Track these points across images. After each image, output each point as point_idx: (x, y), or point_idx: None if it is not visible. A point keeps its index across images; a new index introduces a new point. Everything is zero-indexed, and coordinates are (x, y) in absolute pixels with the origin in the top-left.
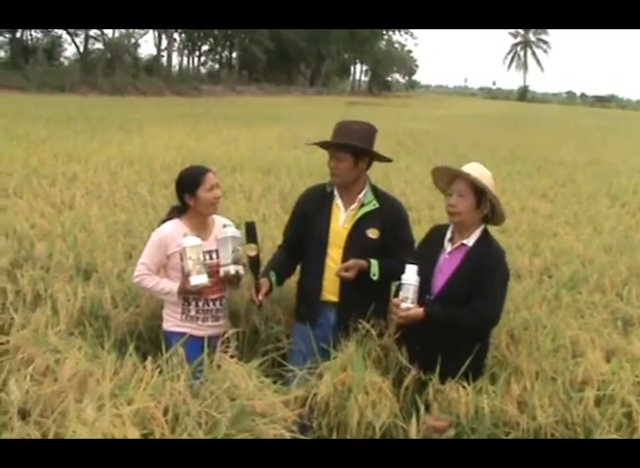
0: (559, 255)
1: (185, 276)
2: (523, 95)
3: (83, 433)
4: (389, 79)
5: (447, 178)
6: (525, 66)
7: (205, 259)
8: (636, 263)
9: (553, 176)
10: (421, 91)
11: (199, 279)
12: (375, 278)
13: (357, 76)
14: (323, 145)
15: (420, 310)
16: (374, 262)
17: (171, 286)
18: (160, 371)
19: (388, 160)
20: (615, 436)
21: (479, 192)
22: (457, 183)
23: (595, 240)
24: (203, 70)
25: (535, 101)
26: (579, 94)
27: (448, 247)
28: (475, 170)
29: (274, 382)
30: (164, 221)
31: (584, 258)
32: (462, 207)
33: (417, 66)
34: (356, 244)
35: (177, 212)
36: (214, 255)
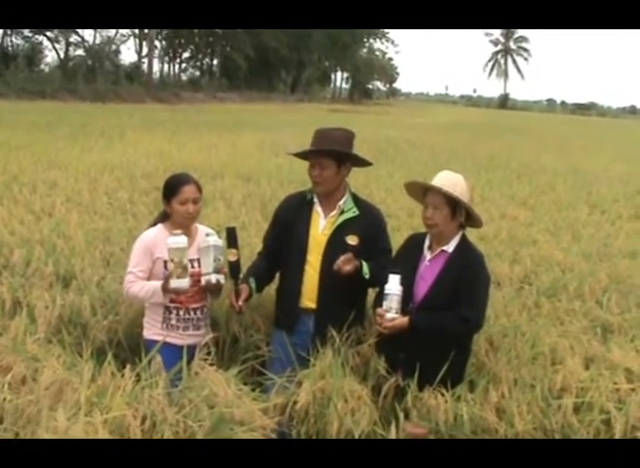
0: (539, 263)
1: (166, 278)
2: (504, 102)
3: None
4: (370, 87)
5: (420, 191)
6: (505, 74)
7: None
8: (616, 271)
9: (533, 184)
10: (402, 98)
11: (179, 282)
12: (366, 277)
13: (338, 84)
14: (305, 155)
15: (406, 319)
16: (364, 263)
17: (155, 285)
18: (138, 379)
19: (369, 164)
20: None
21: (454, 203)
22: (430, 196)
23: (575, 247)
24: (184, 77)
25: (515, 109)
26: (559, 101)
27: (428, 254)
28: (447, 180)
29: (253, 390)
30: (152, 226)
31: (564, 266)
32: (438, 219)
33: (397, 74)
34: (336, 250)
35: (162, 217)
36: (195, 264)
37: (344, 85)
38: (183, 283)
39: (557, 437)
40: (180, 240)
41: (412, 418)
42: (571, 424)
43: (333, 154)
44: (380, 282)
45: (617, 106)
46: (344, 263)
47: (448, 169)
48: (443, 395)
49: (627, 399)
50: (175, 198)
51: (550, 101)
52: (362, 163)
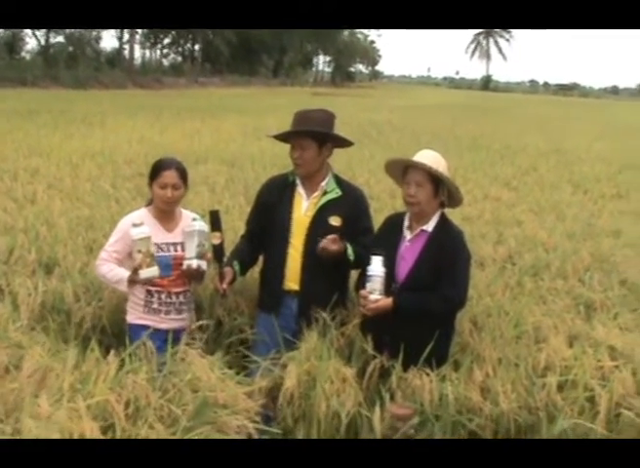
0: (522, 243)
1: (134, 269)
2: (486, 84)
3: (39, 429)
4: (352, 70)
5: (401, 169)
6: (488, 56)
7: (170, 251)
8: (599, 250)
9: (516, 165)
10: (385, 81)
11: (149, 272)
12: (351, 258)
13: (320, 67)
14: (285, 136)
15: (389, 300)
16: (348, 244)
17: (122, 274)
18: (122, 365)
19: (350, 144)
20: (577, 420)
21: (436, 180)
22: (413, 174)
23: (558, 227)
24: (165, 63)
25: (498, 91)
26: (541, 82)
27: (407, 234)
28: (429, 158)
29: (238, 373)
30: None
31: (547, 246)
32: (422, 196)
33: (380, 57)
34: (319, 231)
35: (150, 200)
36: (179, 248)
37: (327, 68)
38: (154, 271)
39: (541, 415)
40: (144, 229)
41: (397, 399)
42: (555, 402)
43: (313, 135)
44: (364, 263)
45: (599, 87)
46: (330, 243)
47: (430, 150)
48: (428, 375)
49: (611, 376)
50: (155, 181)
51: (533, 83)
52: (343, 143)
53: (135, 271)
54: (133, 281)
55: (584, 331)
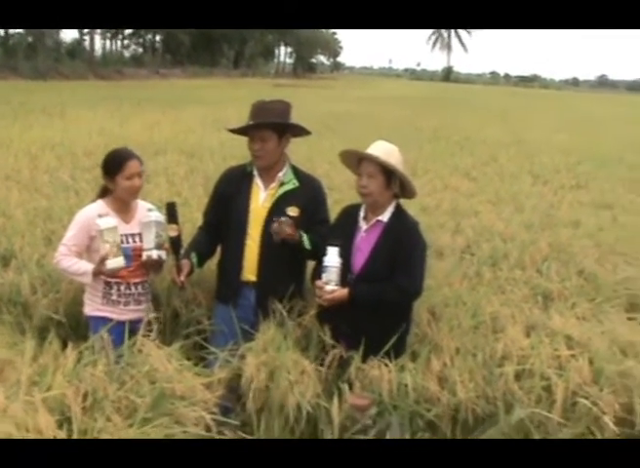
0: (481, 233)
1: (101, 259)
2: (447, 75)
3: None
4: (314, 61)
5: (355, 160)
6: (449, 47)
7: (128, 243)
8: (557, 240)
9: (476, 156)
10: (346, 72)
11: (116, 262)
12: (307, 247)
13: (282, 58)
14: (246, 129)
15: (345, 291)
16: (304, 234)
17: (86, 267)
18: (81, 357)
19: (308, 133)
20: (534, 409)
21: (388, 172)
22: (365, 165)
23: (516, 218)
24: (126, 54)
25: (459, 82)
26: (502, 74)
27: (363, 225)
28: (382, 150)
29: (196, 365)
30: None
31: (506, 236)
32: (373, 187)
33: (341, 48)
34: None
35: (102, 192)
36: (137, 239)
37: (288, 60)
38: (120, 261)
39: (499, 404)
40: (110, 220)
41: (355, 390)
42: (512, 391)
43: (273, 126)
44: (317, 254)
45: (559, 79)
46: (283, 226)
47: (391, 141)
48: (386, 365)
49: (568, 365)
50: (120, 174)
51: (494, 74)
52: (301, 133)
53: (102, 261)
54: (99, 272)
55: (542, 320)
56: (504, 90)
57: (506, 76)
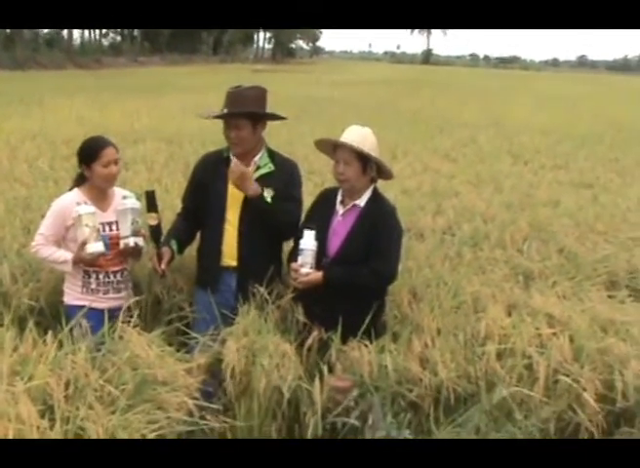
0: (461, 214)
1: (82, 244)
2: (427, 58)
3: None
4: (293, 46)
5: (331, 147)
6: (428, 30)
7: (105, 231)
8: (537, 219)
9: (455, 137)
10: (326, 57)
11: (95, 246)
12: (268, 201)
13: (261, 44)
14: (220, 118)
15: (320, 274)
16: (265, 189)
17: (66, 255)
18: (61, 346)
19: (283, 118)
20: (516, 388)
21: (364, 157)
22: (340, 152)
23: (497, 198)
24: (105, 42)
25: (439, 64)
26: (482, 56)
27: (340, 209)
28: (356, 135)
29: (178, 351)
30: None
31: (486, 216)
32: (350, 174)
33: (320, 33)
34: (253, 206)
35: (77, 181)
36: (114, 227)
37: (267, 45)
38: (99, 246)
39: (481, 384)
40: (88, 206)
41: (336, 371)
42: (494, 370)
43: (248, 115)
44: (276, 220)
45: (539, 60)
46: (237, 170)
47: (370, 125)
48: (366, 346)
49: (549, 343)
50: (97, 161)
51: (473, 56)
52: (277, 118)
53: (82, 246)
54: (79, 258)
55: (523, 299)
56: (484, 72)
57: (486, 58)
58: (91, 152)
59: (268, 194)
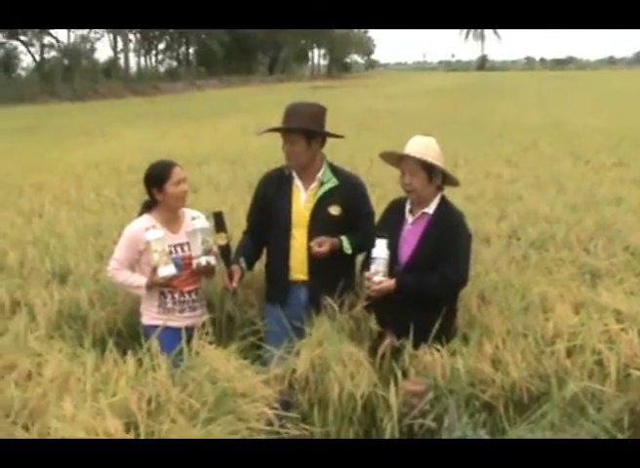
0: (525, 218)
1: (153, 269)
2: (482, 65)
3: (64, 430)
4: (348, 61)
5: (396, 158)
6: (482, 36)
7: (177, 252)
8: (602, 218)
9: (516, 142)
10: (381, 70)
11: (167, 270)
12: (348, 252)
13: (316, 60)
14: (274, 131)
15: (392, 282)
16: (344, 238)
17: (140, 280)
18: (140, 364)
19: (340, 136)
20: (588, 384)
21: (429, 167)
22: (406, 163)
23: (560, 200)
24: (161, 68)
25: (495, 70)
26: (537, 59)
27: (409, 218)
28: (419, 145)
29: (252, 364)
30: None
31: (550, 218)
32: (416, 184)
33: (374, 46)
34: (319, 222)
35: (146, 207)
36: (185, 248)
37: (322, 61)
38: (171, 269)
39: (553, 381)
40: (157, 231)
41: (410, 376)
42: (565, 367)
43: (301, 130)
44: (365, 249)
45: (595, 59)
46: (318, 245)
47: (430, 134)
48: (439, 351)
49: (618, 339)
50: (168, 182)
51: (529, 59)
52: (333, 136)
53: (154, 271)
54: (152, 283)
55: (590, 297)
56: (540, 74)
57: (542, 60)
58: (161, 174)
59: (335, 210)
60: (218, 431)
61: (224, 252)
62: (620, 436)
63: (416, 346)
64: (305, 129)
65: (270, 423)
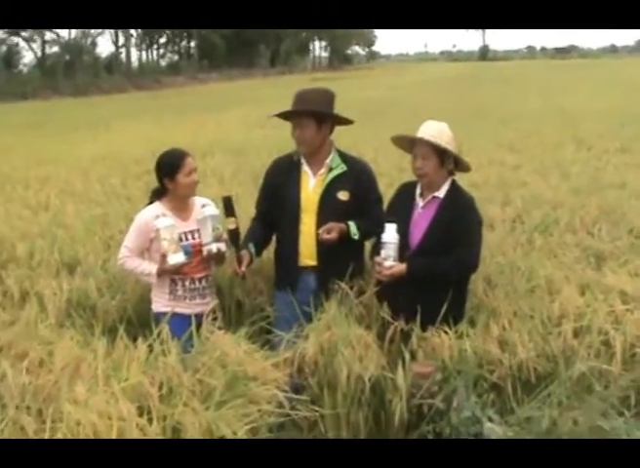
0: (530, 202)
1: (162, 256)
2: (484, 54)
3: (78, 413)
4: (349, 52)
5: (408, 143)
6: None
7: (188, 240)
8: (605, 202)
9: (519, 129)
10: (383, 61)
11: (176, 258)
12: (356, 238)
13: (317, 53)
14: (285, 115)
15: (403, 266)
16: (351, 223)
17: (151, 268)
18: (151, 350)
19: (350, 122)
20: (594, 363)
21: (441, 151)
22: (418, 147)
23: (564, 184)
24: (163, 63)
25: (496, 60)
26: (539, 48)
27: (420, 202)
28: (433, 130)
29: (262, 348)
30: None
31: (554, 203)
32: (428, 168)
33: (375, 37)
34: (328, 207)
35: (156, 195)
36: (196, 235)
37: (324, 53)
38: (180, 257)
39: (560, 361)
40: (167, 219)
41: (418, 358)
42: (572, 347)
43: (311, 114)
44: (374, 234)
45: (597, 47)
46: (326, 233)
47: (434, 121)
48: (447, 333)
49: (624, 319)
50: (180, 171)
51: (530, 48)
52: (343, 121)
53: (163, 259)
54: (162, 271)
55: (595, 279)
56: (542, 63)
57: (543, 49)
58: (173, 164)
59: (344, 196)
60: (230, 414)
61: (233, 236)
62: (627, 412)
63: (426, 329)
64: (316, 111)
65: (281, 405)
